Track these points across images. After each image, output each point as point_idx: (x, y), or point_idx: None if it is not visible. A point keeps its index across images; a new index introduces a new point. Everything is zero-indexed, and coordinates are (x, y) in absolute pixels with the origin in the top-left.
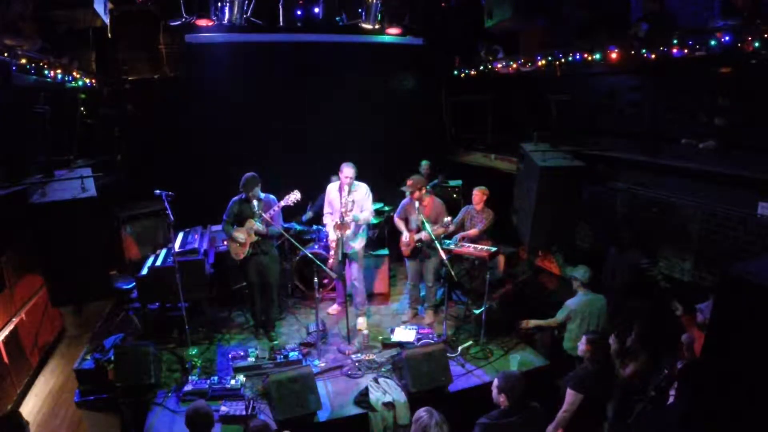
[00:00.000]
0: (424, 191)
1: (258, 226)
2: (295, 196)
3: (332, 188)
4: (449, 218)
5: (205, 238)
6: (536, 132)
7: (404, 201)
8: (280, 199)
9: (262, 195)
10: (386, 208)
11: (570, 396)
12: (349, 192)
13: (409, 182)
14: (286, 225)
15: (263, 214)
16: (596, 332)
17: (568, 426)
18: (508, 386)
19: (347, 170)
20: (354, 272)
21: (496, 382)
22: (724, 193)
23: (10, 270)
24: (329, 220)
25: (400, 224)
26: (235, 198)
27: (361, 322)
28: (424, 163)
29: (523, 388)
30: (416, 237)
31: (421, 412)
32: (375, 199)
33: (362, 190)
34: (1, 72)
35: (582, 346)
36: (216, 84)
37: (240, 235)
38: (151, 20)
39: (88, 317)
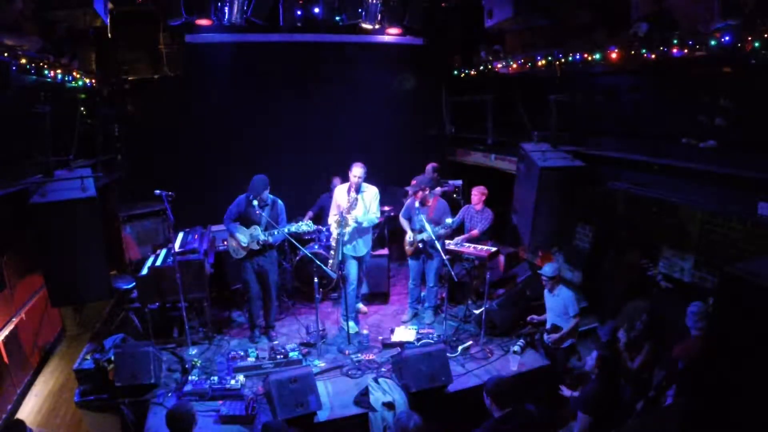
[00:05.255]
0: (428, 192)
1: (262, 237)
2: (307, 227)
3: (340, 190)
4: (451, 220)
5: (205, 238)
6: (536, 132)
7: (409, 201)
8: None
9: (271, 198)
10: (385, 209)
11: (582, 420)
12: (358, 191)
13: (413, 182)
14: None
15: (267, 238)
16: (607, 348)
17: None
18: (495, 390)
19: (356, 170)
20: (362, 272)
21: (485, 386)
22: (724, 193)
23: (10, 270)
24: (335, 221)
25: (405, 224)
26: (242, 197)
27: (361, 307)
28: (430, 166)
29: (511, 392)
30: (419, 237)
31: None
32: None
33: (371, 192)
34: (1, 72)
35: (592, 361)
36: (216, 84)
37: (242, 237)
38: (151, 20)
39: (88, 317)
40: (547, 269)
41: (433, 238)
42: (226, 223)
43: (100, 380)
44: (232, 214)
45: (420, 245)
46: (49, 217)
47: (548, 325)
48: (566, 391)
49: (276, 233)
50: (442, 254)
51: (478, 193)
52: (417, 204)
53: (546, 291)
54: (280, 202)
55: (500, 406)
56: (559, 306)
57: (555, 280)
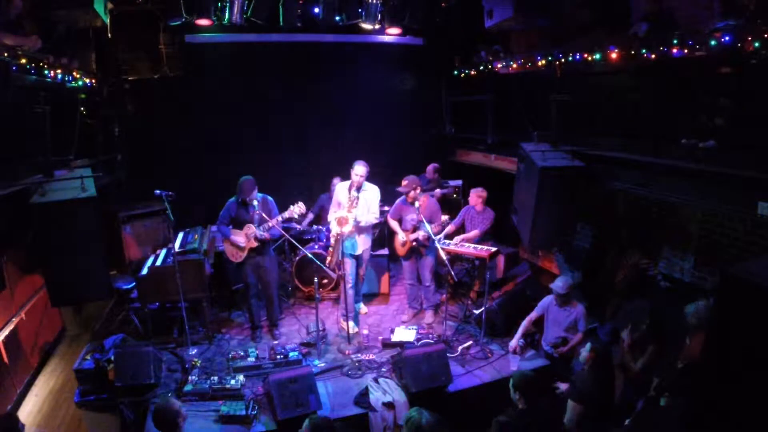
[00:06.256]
0: (419, 191)
1: (259, 232)
2: (299, 208)
3: (341, 188)
4: (446, 217)
5: (205, 238)
6: (536, 132)
7: (398, 201)
8: (279, 203)
9: (260, 196)
10: (386, 208)
11: (573, 408)
12: (359, 190)
13: (404, 182)
14: (287, 225)
15: (264, 233)
16: (600, 341)
17: None
18: (523, 384)
19: (358, 168)
20: (361, 272)
21: (512, 380)
22: (724, 193)
23: (10, 270)
24: (334, 219)
25: (394, 224)
26: (232, 200)
27: (362, 307)
28: (431, 167)
29: (536, 386)
30: (412, 236)
31: (412, 412)
32: None
33: (372, 192)
34: (1, 72)
35: (585, 353)
36: (216, 84)
37: (239, 239)
38: (151, 20)
39: (88, 317)
40: (559, 284)
41: (432, 236)
42: (220, 228)
43: (100, 380)
44: (224, 219)
45: (414, 244)
46: (49, 217)
47: (553, 339)
48: (561, 386)
49: (270, 225)
50: (441, 253)
51: (476, 195)
52: (417, 204)
53: (552, 304)
54: (269, 197)
55: (526, 400)
56: (569, 321)
57: (566, 296)
